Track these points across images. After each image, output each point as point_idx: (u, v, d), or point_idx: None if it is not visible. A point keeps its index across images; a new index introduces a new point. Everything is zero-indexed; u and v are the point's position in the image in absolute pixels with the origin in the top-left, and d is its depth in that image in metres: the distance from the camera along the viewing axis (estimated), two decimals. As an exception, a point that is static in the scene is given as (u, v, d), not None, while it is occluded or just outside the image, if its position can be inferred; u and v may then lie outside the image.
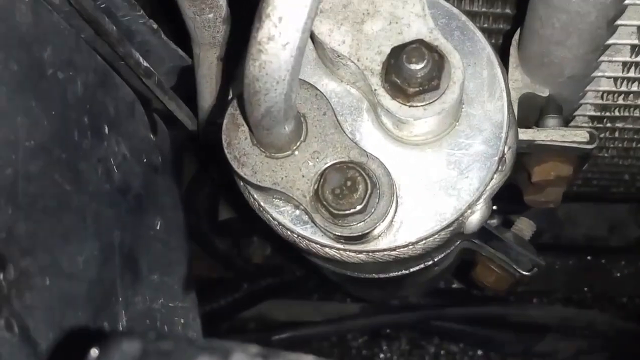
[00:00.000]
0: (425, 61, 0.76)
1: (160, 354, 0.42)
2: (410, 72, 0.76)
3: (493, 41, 1.16)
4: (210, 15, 0.99)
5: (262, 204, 0.83)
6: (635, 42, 0.99)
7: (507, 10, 1.11)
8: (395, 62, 0.77)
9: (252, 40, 0.65)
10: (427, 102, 0.78)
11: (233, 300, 1.73)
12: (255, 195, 0.83)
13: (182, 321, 1.02)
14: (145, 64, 0.95)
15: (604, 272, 1.83)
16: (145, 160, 0.98)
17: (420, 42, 0.77)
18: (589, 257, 1.81)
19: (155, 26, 0.95)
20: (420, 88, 0.77)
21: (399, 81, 0.77)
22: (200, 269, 1.47)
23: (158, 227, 0.99)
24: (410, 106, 0.78)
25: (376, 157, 0.79)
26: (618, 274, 1.82)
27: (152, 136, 1.03)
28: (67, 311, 0.73)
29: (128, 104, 0.97)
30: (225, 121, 0.81)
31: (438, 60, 0.77)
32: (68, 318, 0.73)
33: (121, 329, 0.85)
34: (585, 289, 1.84)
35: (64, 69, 0.79)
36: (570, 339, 1.89)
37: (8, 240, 0.63)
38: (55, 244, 0.73)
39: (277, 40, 0.64)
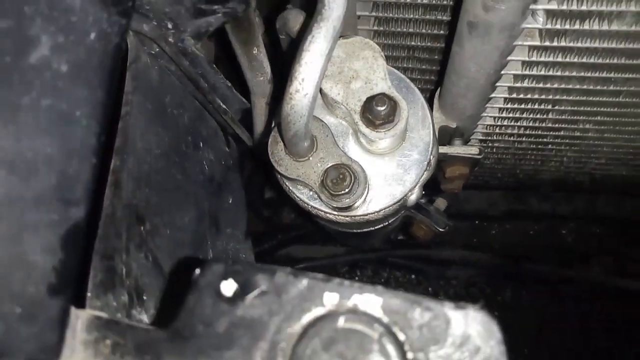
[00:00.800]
0: (385, 106, 0.73)
1: (234, 272, 0.40)
2: (377, 112, 0.74)
3: (424, 95, 1.10)
4: (261, 79, 0.96)
5: (290, 188, 0.81)
6: (506, 95, 0.95)
7: (432, 77, 1.07)
8: (369, 106, 0.74)
9: (286, 92, 0.63)
10: (387, 130, 0.75)
11: (272, 245, 1.70)
12: (286, 183, 0.81)
13: (244, 256, 0.98)
14: (224, 106, 0.92)
15: (485, 230, 1.80)
16: (223, 162, 0.95)
17: (383, 94, 0.74)
18: (477, 222, 1.78)
19: (229, 84, 0.91)
20: (383, 121, 0.74)
21: (370, 117, 0.74)
22: (253, 226, 1.44)
23: (230, 202, 0.96)
24: (377, 132, 0.75)
25: (357, 161, 0.76)
26: (493, 232, 1.79)
27: (227, 148, 1.00)
28: (179, 249, 0.71)
29: (213, 130, 0.94)
30: (270, 140, 0.77)
31: (393, 105, 0.74)
32: (179, 253, 0.70)
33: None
34: (475, 239, 1.80)
35: (176, 108, 0.76)
36: (466, 269, 1.86)
37: (146, 207, 0.61)
38: (172, 210, 0.70)
39: (301, 92, 0.63)
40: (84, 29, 0.42)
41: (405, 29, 0.95)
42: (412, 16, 0.92)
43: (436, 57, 1.01)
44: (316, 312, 0.39)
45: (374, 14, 0.92)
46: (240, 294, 0.40)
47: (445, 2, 0.87)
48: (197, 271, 0.41)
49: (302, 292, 0.40)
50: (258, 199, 1.61)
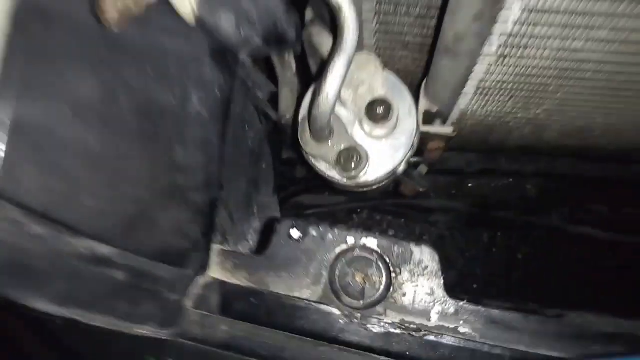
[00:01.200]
0: (383, 107, 0.95)
1: (298, 225, 0.74)
2: (376, 111, 0.95)
3: (414, 81, 1.26)
4: (288, 74, 1.15)
5: (314, 162, 0.98)
6: (474, 91, 1.15)
7: (422, 64, 1.24)
8: (370, 107, 0.95)
9: (315, 101, 0.84)
10: (383, 123, 0.95)
11: (286, 194, 1.86)
12: (310, 158, 0.98)
13: (272, 207, 1.28)
14: (260, 95, 1.11)
15: (462, 184, 2.01)
16: (259, 137, 1.13)
17: (382, 98, 0.96)
18: (455, 178, 1.99)
19: (264, 77, 1.10)
20: (381, 116, 0.95)
21: (371, 114, 0.95)
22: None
23: (264, 166, 1.15)
24: (376, 124, 0.95)
25: (361, 145, 0.94)
26: (469, 185, 2.02)
27: (260, 125, 1.21)
28: (239, 206, 0.95)
29: (252, 112, 1.11)
30: (299, 129, 0.97)
31: (388, 106, 0.95)
32: (239, 208, 0.96)
33: (255, 211, 1.14)
34: (453, 191, 2.02)
35: (233, 103, 0.99)
36: (446, 215, 2.10)
37: (222, 179, 0.88)
38: (232, 179, 0.92)
39: (326, 101, 0.84)
40: (212, 87, 0.73)
41: (401, 29, 1.16)
42: (406, 21, 1.14)
43: (425, 49, 1.20)
44: (342, 247, 0.73)
45: (375, 22, 1.15)
46: (301, 237, 0.74)
47: (432, 14, 1.11)
48: (277, 224, 0.74)
49: (335, 236, 0.74)
50: (277, 159, 1.75)
